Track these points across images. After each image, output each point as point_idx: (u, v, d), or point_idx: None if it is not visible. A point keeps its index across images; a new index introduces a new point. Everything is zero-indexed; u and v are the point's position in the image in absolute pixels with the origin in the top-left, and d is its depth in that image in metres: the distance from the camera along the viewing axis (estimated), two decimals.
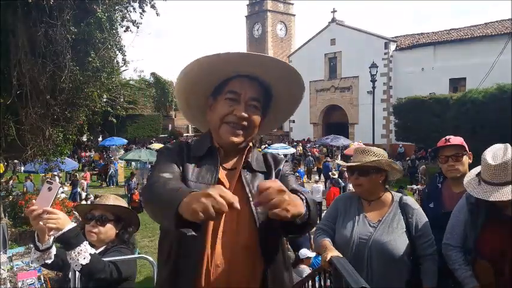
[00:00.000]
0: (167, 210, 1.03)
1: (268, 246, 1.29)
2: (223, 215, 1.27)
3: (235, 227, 1.27)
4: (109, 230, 2.01)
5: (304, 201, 1.20)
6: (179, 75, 1.37)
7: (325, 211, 2.62)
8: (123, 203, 2.15)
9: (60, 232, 1.61)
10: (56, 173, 12.25)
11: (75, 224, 1.69)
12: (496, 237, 1.90)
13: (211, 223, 1.24)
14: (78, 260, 1.64)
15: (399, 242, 2.04)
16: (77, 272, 1.77)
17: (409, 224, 2.10)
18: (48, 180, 1.73)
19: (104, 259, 1.79)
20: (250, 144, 1.43)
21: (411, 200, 2.22)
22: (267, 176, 1.39)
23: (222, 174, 1.35)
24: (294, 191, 1.22)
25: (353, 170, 2.17)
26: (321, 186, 11.64)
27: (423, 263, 2.11)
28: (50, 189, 1.59)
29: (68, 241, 1.63)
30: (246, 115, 1.30)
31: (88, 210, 2.05)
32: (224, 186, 1.31)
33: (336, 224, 2.19)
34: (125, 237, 2.06)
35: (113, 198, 2.10)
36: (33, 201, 1.61)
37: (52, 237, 1.69)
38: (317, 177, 14.12)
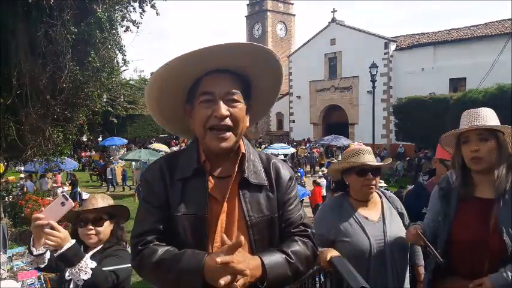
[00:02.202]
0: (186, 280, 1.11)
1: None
2: (218, 226, 1.24)
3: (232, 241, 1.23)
4: (106, 228, 2.04)
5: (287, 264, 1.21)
6: (146, 92, 1.25)
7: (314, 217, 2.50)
8: (111, 200, 2.18)
9: (60, 251, 1.61)
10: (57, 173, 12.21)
11: (74, 241, 1.69)
12: (469, 222, 1.79)
13: (207, 236, 1.23)
14: (79, 275, 1.66)
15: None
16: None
17: (401, 215, 2.25)
18: (64, 194, 1.69)
19: (104, 269, 1.80)
20: (243, 150, 1.30)
21: (390, 193, 2.37)
22: (268, 190, 1.30)
23: (211, 184, 1.26)
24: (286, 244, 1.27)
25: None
26: (324, 181, 12.01)
27: (411, 246, 2.25)
28: (63, 204, 1.55)
29: (68, 259, 1.64)
30: (227, 113, 1.19)
31: (78, 215, 2.05)
32: (216, 199, 1.25)
33: (333, 236, 2.10)
34: (118, 234, 2.08)
35: (101, 197, 2.12)
36: (42, 208, 1.61)
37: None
38: (320, 172, 14.43)
